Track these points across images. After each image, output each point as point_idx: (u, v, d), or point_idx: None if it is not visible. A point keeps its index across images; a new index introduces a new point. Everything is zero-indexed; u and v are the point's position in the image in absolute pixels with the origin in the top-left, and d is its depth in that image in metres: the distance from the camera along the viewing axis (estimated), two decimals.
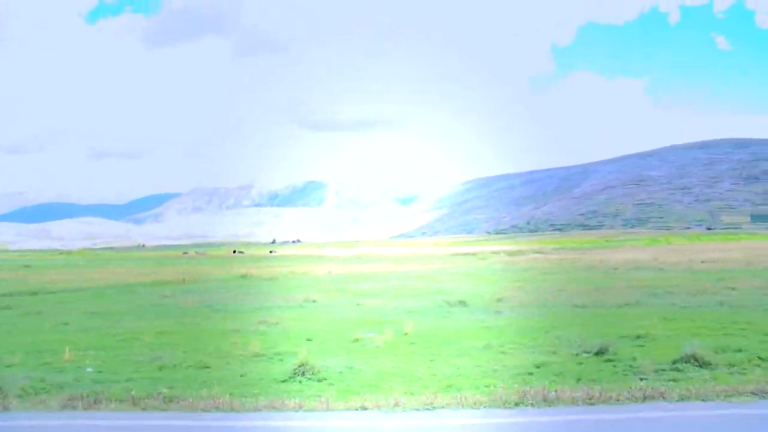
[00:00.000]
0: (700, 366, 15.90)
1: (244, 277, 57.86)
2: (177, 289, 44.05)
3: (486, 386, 14.57)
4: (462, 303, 30.99)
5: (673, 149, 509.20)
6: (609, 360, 17.26)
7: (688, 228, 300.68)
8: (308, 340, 21.25)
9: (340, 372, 16.36)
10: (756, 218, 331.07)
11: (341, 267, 73.28)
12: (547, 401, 13.21)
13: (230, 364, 17.73)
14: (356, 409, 13.02)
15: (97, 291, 45.30)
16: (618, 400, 13.21)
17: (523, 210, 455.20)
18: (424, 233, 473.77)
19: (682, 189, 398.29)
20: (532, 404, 13.07)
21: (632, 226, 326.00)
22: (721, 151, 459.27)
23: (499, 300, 32.53)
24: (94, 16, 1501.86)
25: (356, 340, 21.32)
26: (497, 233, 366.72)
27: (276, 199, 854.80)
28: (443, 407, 13.01)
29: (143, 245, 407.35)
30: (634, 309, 28.58)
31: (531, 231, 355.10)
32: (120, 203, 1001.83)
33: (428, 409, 12.93)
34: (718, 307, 28.67)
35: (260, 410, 13.11)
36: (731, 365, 16.07)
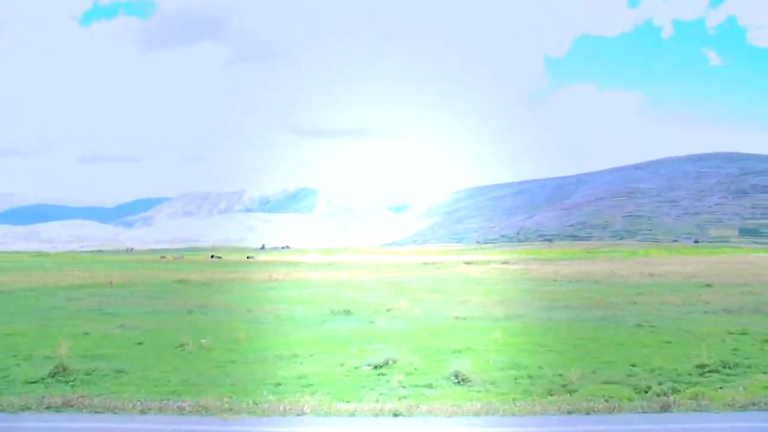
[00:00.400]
0: (458, 383, 15.79)
1: (179, 281, 58.27)
2: (87, 293, 43.69)
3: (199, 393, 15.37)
4: (347, 312, 30.82)
5: (664, 162, 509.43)
6: (382, 374, 17.52)
7: (676, 241, 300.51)
8: (139, 343, 22.19)
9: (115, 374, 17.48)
10: (744, 232, 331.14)
11: (295, 273, 73.38)
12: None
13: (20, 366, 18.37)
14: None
15: (20, 293, 45.61)
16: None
17: (514, 220, 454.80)
18: (414, 241, 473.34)
19: (671, 202, 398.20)
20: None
21: (621, 238, 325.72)
22: (710, 164, 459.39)
23: (388, 310, 32.51)
24: (87, 18, 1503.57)
25: (181, 345, 21.93)
26: (487, 242, 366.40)
27: (267, 205, 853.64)
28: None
29: (132, 249, 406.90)
30: (504, 322, 28.50)
31: (520, 241, 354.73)
32: (110, 206, 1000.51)
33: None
34: (594, 321, 28.53)
35: None
36: (492, 382, 16.04)
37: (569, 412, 13.84)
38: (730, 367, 18.47)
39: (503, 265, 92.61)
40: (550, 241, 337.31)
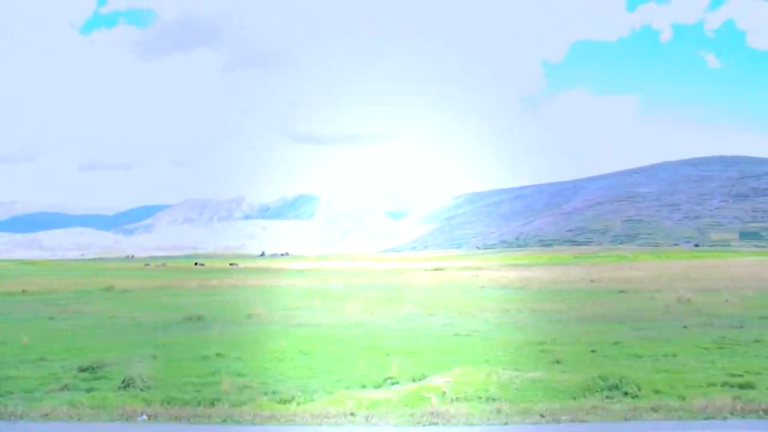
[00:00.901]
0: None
1: (106, 289, 58.98)
2: None
3: None
4: (199, 318, 30.60)
5: (664, 166, 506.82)
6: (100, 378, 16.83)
7: (677, 245, 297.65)
8: None
9: None
10: (744, 235, 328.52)
11: (229, 280, 73.38)
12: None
13: None
14: None
15: None
16: None
17: (512, 225, 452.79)
18: (414, 247, 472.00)
19: (671, 206, 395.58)
20: None
21: (621, 242, 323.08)
22: (711, 168, 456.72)
23: (247, 316, 32.18)
24: (88, 27, 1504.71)
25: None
26: (486, 248, 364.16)
27: (267, 212, 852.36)
28: None
29: (132, 256, 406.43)
30: (323, 330, 27.52)
31: (519, 246, 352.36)
32: (111, 214, 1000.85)
33: None
34: (427, 329, 27.49)
35: None
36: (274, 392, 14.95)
37: None
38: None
39: (475, 272, 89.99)
40: (548, 246, 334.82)
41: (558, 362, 18.21)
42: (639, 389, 14.32)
